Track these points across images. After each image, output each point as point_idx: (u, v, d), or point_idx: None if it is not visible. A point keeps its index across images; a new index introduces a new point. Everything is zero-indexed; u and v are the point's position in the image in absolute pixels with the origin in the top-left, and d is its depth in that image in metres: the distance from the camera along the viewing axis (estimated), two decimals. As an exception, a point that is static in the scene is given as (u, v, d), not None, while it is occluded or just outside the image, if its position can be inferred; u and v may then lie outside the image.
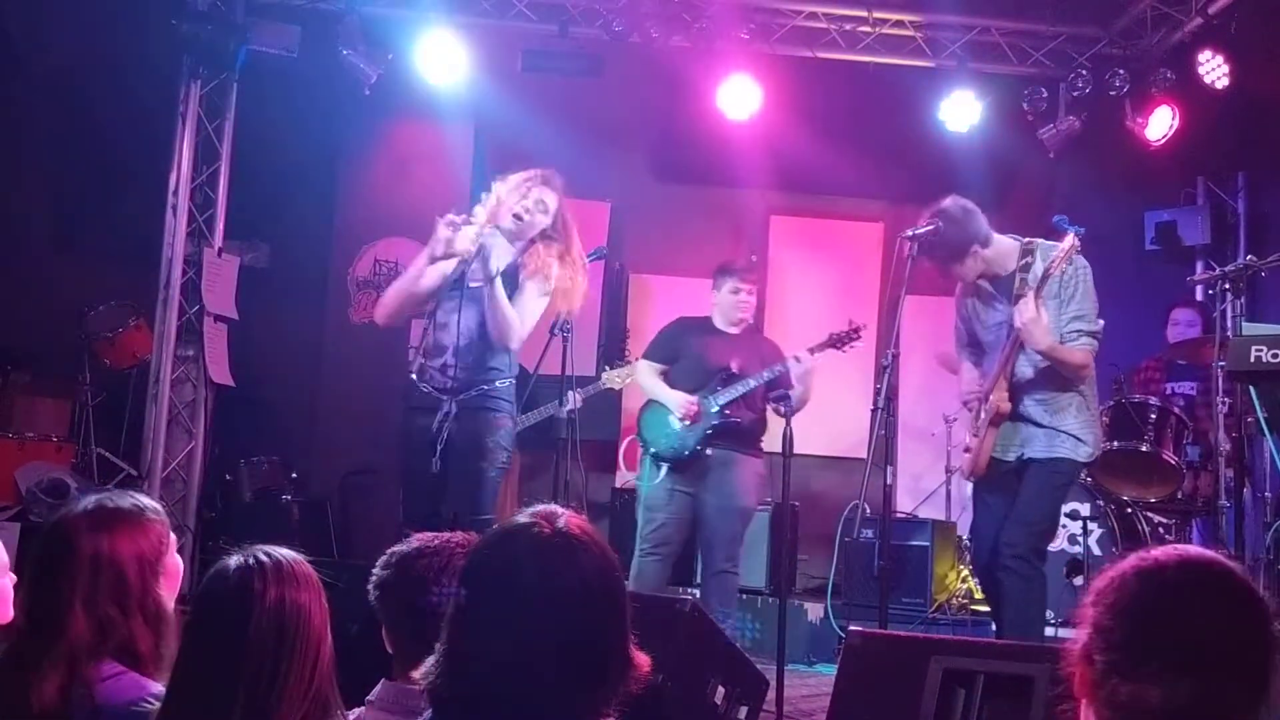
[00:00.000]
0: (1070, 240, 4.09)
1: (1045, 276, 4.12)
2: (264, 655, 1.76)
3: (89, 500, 2.14)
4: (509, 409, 4.46)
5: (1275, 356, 3.48)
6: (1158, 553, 1.57)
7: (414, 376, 4.38)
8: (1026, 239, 4.35)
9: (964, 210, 4.29)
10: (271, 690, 1.75)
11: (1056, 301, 4.17)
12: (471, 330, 4.37)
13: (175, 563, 2.19)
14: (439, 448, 4.22)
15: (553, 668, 1.50)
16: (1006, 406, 4.25)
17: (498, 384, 4.40)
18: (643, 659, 1.59)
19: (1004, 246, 4.33)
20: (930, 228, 4.30)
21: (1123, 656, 1.49)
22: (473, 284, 4.37)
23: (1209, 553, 1.59)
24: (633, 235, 8.01)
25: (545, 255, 4.45)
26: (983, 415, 4.30)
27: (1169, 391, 6.48)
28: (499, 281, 4.32)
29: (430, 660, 1.56)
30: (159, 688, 1.94)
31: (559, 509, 1.62)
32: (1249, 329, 4.07)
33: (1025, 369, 4.25)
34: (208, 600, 1.84)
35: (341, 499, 7.60)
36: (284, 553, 1.85)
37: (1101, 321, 4.27)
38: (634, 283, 8.09)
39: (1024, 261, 4.26)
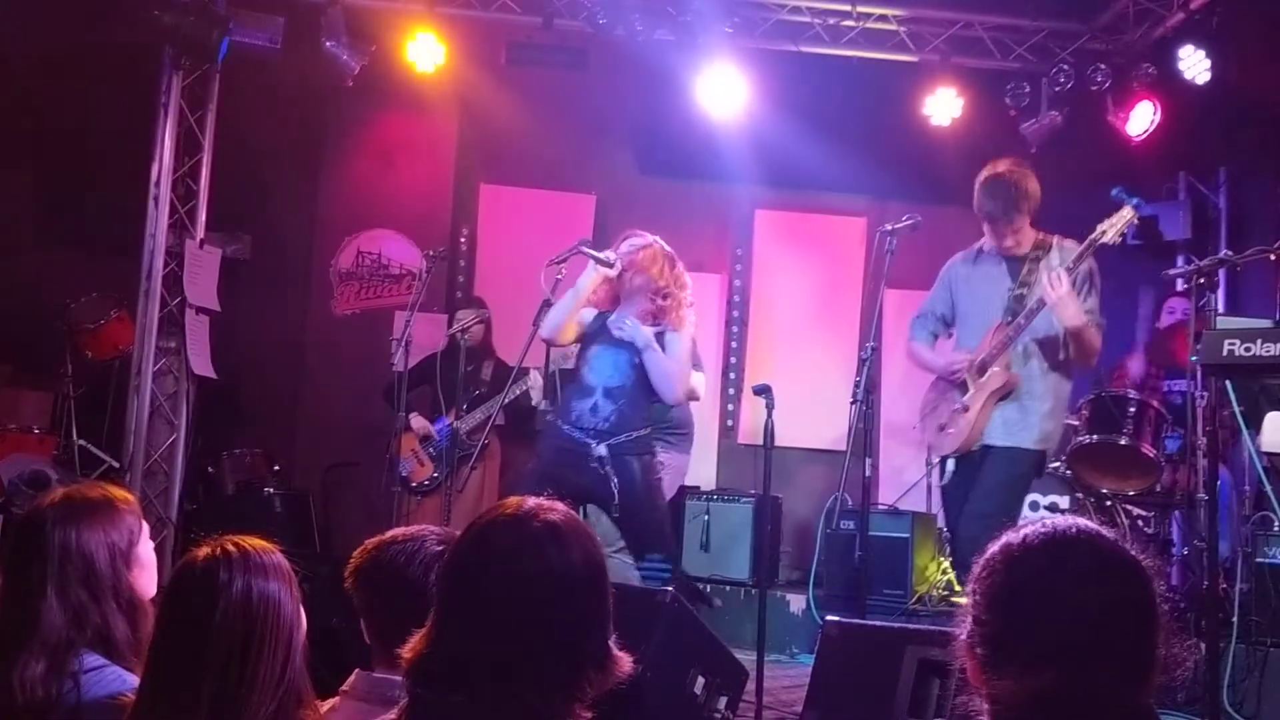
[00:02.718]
0: (1128, 214, 4.14)
1: (1093, 242, 4.19)
2: (232, 645, 1.75)
3: (59, 492, 2.16)
4: None
5: (1247, 350, 3.52)
6: (1027, 532, 1.53)
7: None
8: (1041, 233, 4.46)
9: (1034, 176, 4.50)
10: (241, 681, 1.74)
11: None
12: None
13: (148, 553, 2.20)
14: None
15: (535, 654, 1.52)
16: (1017, 378, 4.23)
17: None
18: (624, 657, 1.62)
19: (1028, 228, 4.49)
20: (909, 222, 4.35)
21: (997, 650, 1.47)
22: None
23: (1079, 527, 1.54)
24: (618, 228, 7.93)
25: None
26: (974, 389, 4.27)
27: (1166, 390, 6.51)
28: None
29: (417, 635, 1.58)
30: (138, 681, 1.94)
31: (543, 500, 1.65)
32: (1223, 323, 4.12)
33: (1019, 348, 4.26)
34: (175, 591, 1.84)
35: (324, 491, 7.60)
36: (254, 542, 1.85)
37: (1103, 321, 4.34)
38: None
39: (1036, 254, 4.38)
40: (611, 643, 1.61)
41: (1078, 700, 1.42)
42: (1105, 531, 1.56)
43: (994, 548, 1.54)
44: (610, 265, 4.51)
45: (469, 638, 1.53)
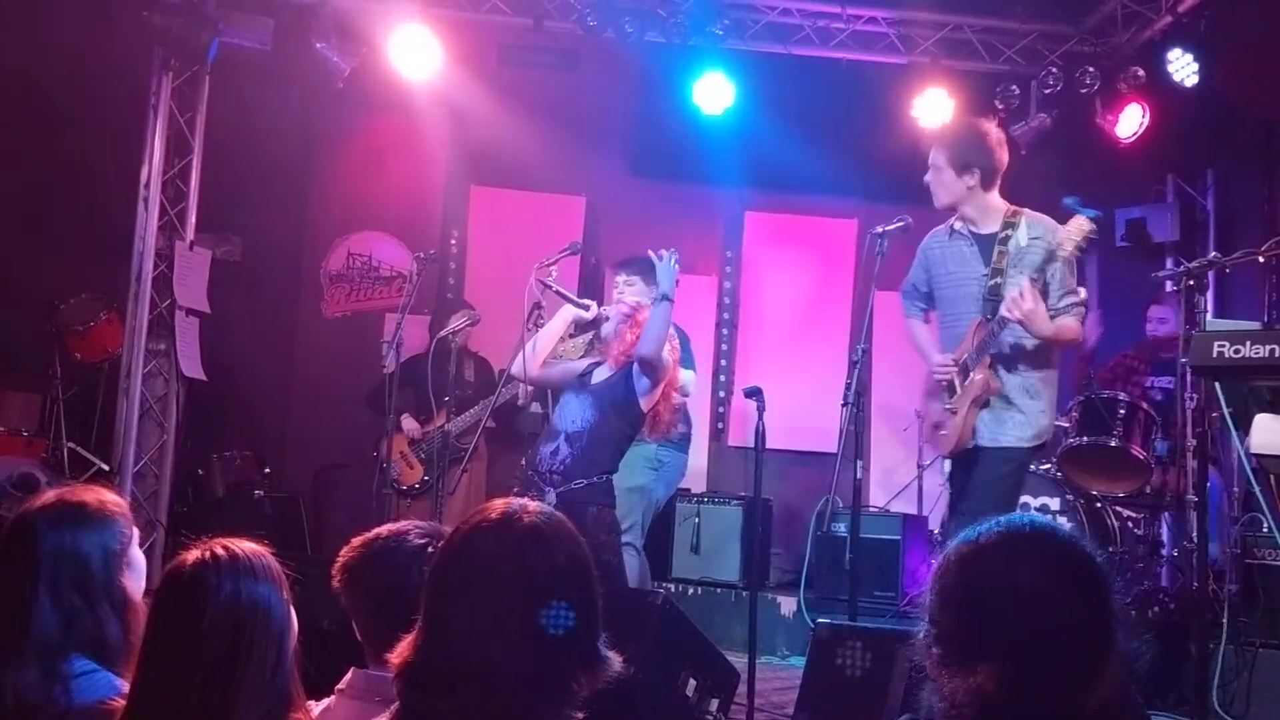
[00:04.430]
0: (1086, 226, 3.97)
1: (1051, 259, 4.07)
2: (221, 649, 1.74)
3: (50, 494, 2.14)
4: None
5: (1237, 352, 3.53)
6: (982, 530, 1.53)
7: None
8: (1012, 207, 4.33)
9: (996, 138, 4.33)
10: (231, 684, 1.73)
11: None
12: None
13: (138, 556, 2.19)
14: None
15: (522, 657, 1.52)
16: (998, 385, 4.17)
17: None
18: (613, 657, 1.62)
19: (994, 203, 4.34)
20: (900, 224, 4.36)
21: (948, 649, 1.48)
22: None
23: (1033, 523, 1.53)
24: (608, 230, 8.01)
25: None
26: (960, 391, 4.22)
27: (1149, 385, 6.53)
28: None
29: (405, 641, 1.58)
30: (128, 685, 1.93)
31: (529, 501, 1.66)
32: (1213, 325, 4.11)
33: (1002, 347, 4.22)
34: (164, 594, 1.82)
35: (314, 494, 7.58)
36: (244, 545, 1.84)
37: (1083, 290, 4.29)
38: (609, 278, 8.09)
39: (1005, 234, 4.25)
40: (600, 643, 1.62)
41: (1019, 700, 1.41)
42: (1061, 527, 1.56)
43: (950, 545, 1.55)
44: (585, 309, 4.58)
45: (456, 643, 1.54)
